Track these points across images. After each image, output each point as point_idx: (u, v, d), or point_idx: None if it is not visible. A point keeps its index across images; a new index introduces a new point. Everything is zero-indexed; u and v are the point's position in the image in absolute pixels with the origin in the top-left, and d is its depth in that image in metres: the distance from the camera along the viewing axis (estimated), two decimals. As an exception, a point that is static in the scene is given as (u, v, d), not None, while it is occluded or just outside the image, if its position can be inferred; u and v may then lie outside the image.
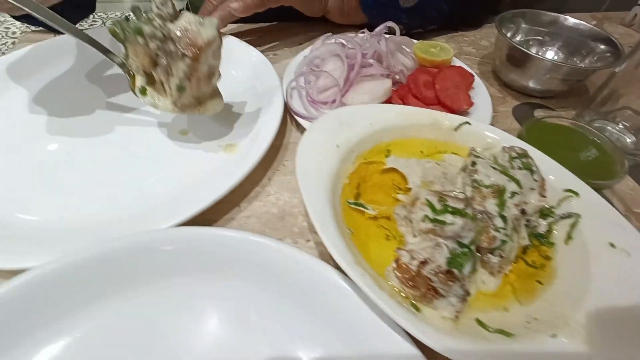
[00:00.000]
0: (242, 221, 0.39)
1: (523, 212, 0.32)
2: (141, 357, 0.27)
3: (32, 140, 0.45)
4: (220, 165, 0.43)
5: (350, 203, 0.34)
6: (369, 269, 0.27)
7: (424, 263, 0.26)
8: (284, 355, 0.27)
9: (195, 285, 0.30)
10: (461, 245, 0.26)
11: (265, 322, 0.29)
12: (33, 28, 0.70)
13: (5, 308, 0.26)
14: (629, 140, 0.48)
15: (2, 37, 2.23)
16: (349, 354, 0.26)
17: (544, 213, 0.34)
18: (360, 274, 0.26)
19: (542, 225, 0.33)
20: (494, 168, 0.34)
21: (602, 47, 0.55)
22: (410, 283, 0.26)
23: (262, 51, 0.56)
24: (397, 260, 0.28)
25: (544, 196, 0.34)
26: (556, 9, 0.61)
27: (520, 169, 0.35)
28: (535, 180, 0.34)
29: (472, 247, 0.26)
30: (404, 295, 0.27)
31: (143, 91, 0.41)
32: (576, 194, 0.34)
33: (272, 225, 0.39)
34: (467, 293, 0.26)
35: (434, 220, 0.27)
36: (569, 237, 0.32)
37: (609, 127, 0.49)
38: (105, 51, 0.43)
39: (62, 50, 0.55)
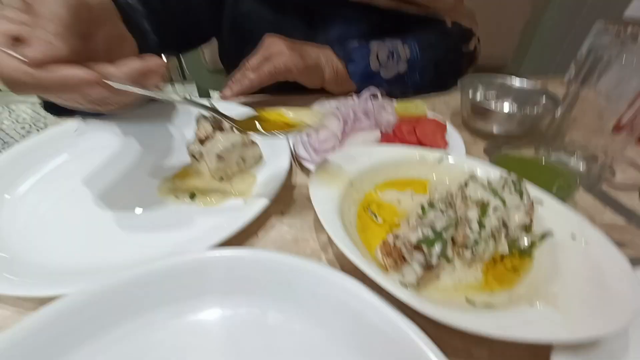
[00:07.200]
0: (260, 247, 0.45)
1: (504, 224, 0.38)
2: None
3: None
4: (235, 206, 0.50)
5: (368, 211, 0.43)
6: (372, 263, 0.33)
7: (397, 237, 0.33)
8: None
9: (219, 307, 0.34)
10: (434, 232, 0.33)
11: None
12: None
13: (36, 333, 0.27)
14: (581, 167, 0.57)
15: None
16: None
17: (527, 231, 0.38)
18: (367, 264, 0.31)
19: (525, 240, 0.38)
20: (484, 188, 0.40)
21: (544, 99, 0.69)
22: (387, 255, 0.33)
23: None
24: (383, 241, 0.35)
25: (530, 217, 0.39)
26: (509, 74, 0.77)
27: (511, 192, 0.40)
28: (523, 203, 0.39)
29: (444, 235, 0.33)
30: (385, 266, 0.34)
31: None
32: (541, 203, 0.42)
33: (287, 249, 0.44)
34: (431, 265, 0.32)
35: (421, 216, 0.35)
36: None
37: (563, 158, 0.59)
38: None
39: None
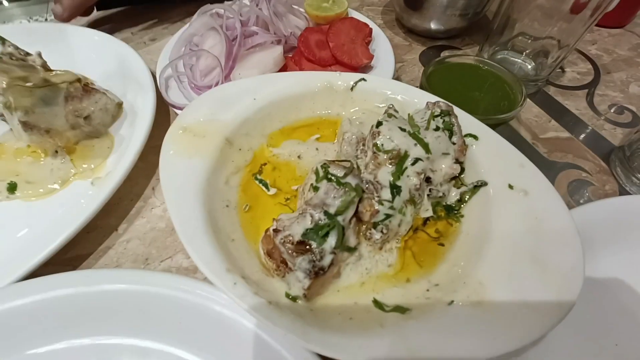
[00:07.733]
0: (121, 248, 0.33)
1: (427, 180, 0.28)
2: None
3: None
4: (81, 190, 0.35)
5: (255, 179, 0.31)
6: (250, 271, 0.23)
7: (276, 231, 0.23)
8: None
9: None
10: (328, 215, 0.22)
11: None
12: None
13: None
14: (529, 67, 0.47)
15: None
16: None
17: (457, 183, 0.30)
18: (232, 282, 0.22)
19: (453, 195, 0.29)
20: (402, 129, 0.29)
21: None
22: (269, 255, 0.24)
23: (135, 38, 0.47)
24: (266, 231, 0.24)
25: (460, 162, 0.29)
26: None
27: (438, 129, 0.29)
28: (453, 143, 0.29)
29: (340, 219, 0.23)
30: (269, 269, 0.24)
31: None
32: (475, 137, 0.32)
33: (159, 244, 0.33)
34: (321, 269, 0.22)
35: (315, 188, 0.24)
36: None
37: (510, 58, 0.48)
38: None
39: None
